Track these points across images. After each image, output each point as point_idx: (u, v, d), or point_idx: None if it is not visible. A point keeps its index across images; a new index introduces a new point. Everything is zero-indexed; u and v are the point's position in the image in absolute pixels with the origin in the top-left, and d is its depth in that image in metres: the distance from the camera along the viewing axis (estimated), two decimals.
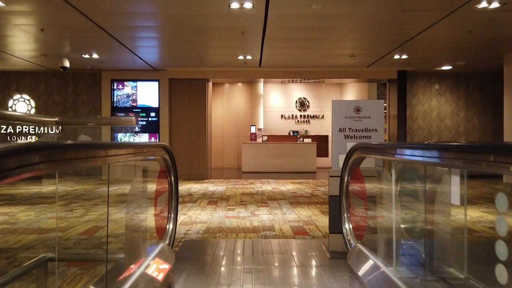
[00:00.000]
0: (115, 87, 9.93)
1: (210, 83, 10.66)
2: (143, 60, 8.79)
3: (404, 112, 9.97)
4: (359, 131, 3.53)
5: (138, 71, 9.85)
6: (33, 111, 10.10)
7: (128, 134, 9.89)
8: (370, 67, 9.59)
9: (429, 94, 10.37)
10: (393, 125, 10.12)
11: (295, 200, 6.40)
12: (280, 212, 5.34)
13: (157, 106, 9.93)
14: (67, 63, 8.12)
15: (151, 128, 9.94)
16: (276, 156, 11.85)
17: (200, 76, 9.90)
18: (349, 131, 3.53)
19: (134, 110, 9.95)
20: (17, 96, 10.10)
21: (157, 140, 9.89)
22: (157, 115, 9.91)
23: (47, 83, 10.16)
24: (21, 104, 10.09)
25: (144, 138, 9.91)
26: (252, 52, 8.10)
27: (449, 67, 9.61)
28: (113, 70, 9.84)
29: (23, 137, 10.07)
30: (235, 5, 5.26)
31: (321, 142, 12.45)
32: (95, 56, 8.22)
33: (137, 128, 9.91)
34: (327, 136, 12.75)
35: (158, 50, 8.25)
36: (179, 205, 5.67)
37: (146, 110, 9.95)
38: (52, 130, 9.94)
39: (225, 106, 14.12)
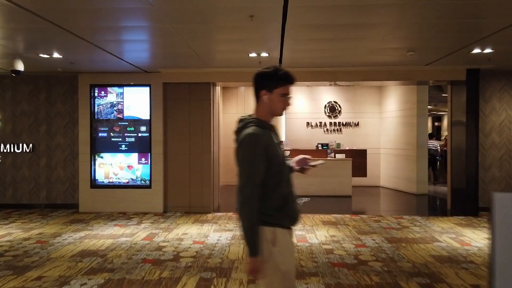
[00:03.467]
0: (96, 94, 7.82)
1: (218, 88, 8.41)
2: (126, 62, 6.62)
3: (475, 124, 7.39)
4: None
5: (123, 74, 7.71)
6: None
7: None
8: (430, 65, 7.08)
9: (507, 100, 7.76)
10: (459, 136, 7.55)
11: (334, 280, 4.07)
12: None
13: (148, 118, 7.76)
14: (20, 66, 6.04)
15: (142, 146, 7.78)
16: (301, 176, 9.49)
17: (202, 80, 7.65)
18: None
19: (120, 123, 7.82)
20: None
21: (149, 162, 7.74)
22: (149, 130, 7.75)
23: (14, 89, 8.16)
24: None
25: (133, 158, 7.77)
26: (268, 47, 5.78)
27: None
28: (92, 73, 7.72)
29: None
30: None
31: (357, 158, 10.01)
32: (56, 55, 6.10)
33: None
34: (365, 151, 10.28)
35: (146, 47, 6.04)
36: None
37: (135, 123, 7.80)
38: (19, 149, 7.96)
39: (239, 112, 11.85)
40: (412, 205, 8.82)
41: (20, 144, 8.11)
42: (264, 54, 6.16)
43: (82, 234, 6.03)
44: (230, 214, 7.43)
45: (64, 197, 8.11)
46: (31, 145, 8.09)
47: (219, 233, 6.01)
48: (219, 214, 7.47)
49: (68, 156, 8.10)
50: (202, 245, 5.36)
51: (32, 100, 8.14)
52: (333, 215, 7.32)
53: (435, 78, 7.65)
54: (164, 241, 5.57)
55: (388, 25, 4.71)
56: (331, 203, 8.63)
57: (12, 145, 8.11)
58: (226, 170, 11.36)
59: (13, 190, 8.13)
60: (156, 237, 5.82)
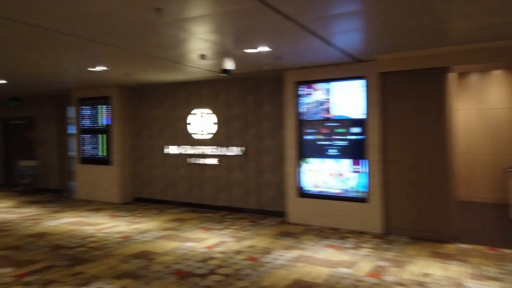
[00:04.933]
0: (301, 93, 7.01)
1: (451, 74, 6.34)
2: (335, 48, 5.47)
3: None
4: None
5: (331, 66, 6.62)
6: (215, 128, 8.35)
7: None
8: None
9: None
10: None
11: None
12: None
13: (361, 117, 6.42)
14: (229, 65, 5.67)
15: (355, 151, 6.50)
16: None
17: (432, 64, 5.78)
18: None
19: (327, 124, 6.76)
20: (196, 111, 8.60)
21: (363, 171, 6.38)
22: (363, 131, 6.40)
23: (227, 93, 8.22)
24: (203, 121, 8.51)
25: (344, 165, 6.58)
26: None
27: None
28: (298, 69, 6.93)
29: (203, 159, 8.48)
30: None
31: None
32: (261, 48, 5.44)
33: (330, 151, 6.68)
34: None
35: (360, 24, 4.69)
36: None
37: (346, 123, 6.59)
38: (232, 152, 7.92)
39: (471, 107, 9.22)
40: None
41: (232, 148, 8.10)
42: None
43: (294, 254, 5.16)
44: (480, 248, 5.29)
45: (272, 203, 7.66)
46: (243, 148, 7.96)
47: (476, 282, 4.07)
48: (464, 246, 5.42)
49: (275, 160, 7.60)
50: None
51: (242, 102, 8.02)
52: None
53: None
54: (398, 284, 4.06)
55: None
56: None
57: (226, 148, 8.17)
58: (465, 182, 8.92)
59: (227, 193, 8.20)
60: (385, 273, 4.37)
